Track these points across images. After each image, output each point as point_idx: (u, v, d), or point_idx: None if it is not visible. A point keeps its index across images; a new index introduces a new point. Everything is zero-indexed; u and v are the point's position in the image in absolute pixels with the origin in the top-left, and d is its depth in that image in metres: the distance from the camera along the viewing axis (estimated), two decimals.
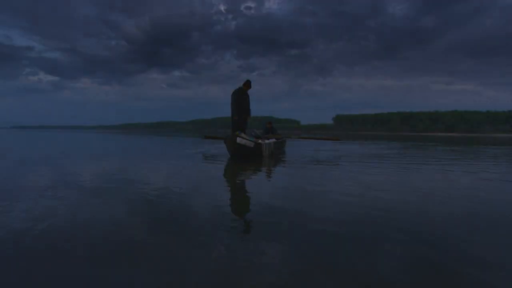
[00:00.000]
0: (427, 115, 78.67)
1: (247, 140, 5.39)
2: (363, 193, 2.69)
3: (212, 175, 3.82)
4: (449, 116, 75.35)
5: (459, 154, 7.31)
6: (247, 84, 6.35)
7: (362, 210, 2.13)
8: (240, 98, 6.25)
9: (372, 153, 7.10)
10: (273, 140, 6.61)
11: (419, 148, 9.77)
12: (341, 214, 2.04)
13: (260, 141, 5.77)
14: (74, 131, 47.81)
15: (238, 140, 5.28)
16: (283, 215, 1.99)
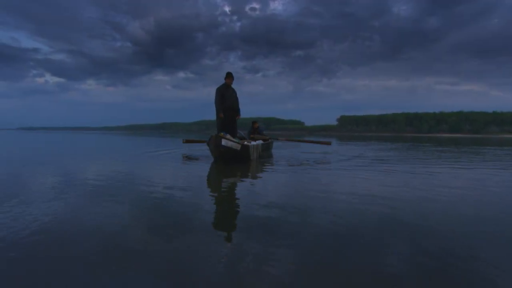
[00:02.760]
0: (431, 116, 77.92)
1: (233, 142, 5.05)
2: (357, 195, 2.62)
3: (200, 179, 3.70)
4: (454, 117, 74.49)
5: (455, 155, 7.15)
6: (229, 76, 5.87)
7: (360, 213, 2.08)
8: (226, 93, 5.84)
9: (367, 155, 6.96)
10: (260, 142, 6.32)
11: (419, 149, 9.61)
12: (340, 216, 2.00)
13: (246, 142, 5.51)
14: (79, 132, 48.11)
15: (223, 142, 4.89)
16: (280, 219, 1.93)
